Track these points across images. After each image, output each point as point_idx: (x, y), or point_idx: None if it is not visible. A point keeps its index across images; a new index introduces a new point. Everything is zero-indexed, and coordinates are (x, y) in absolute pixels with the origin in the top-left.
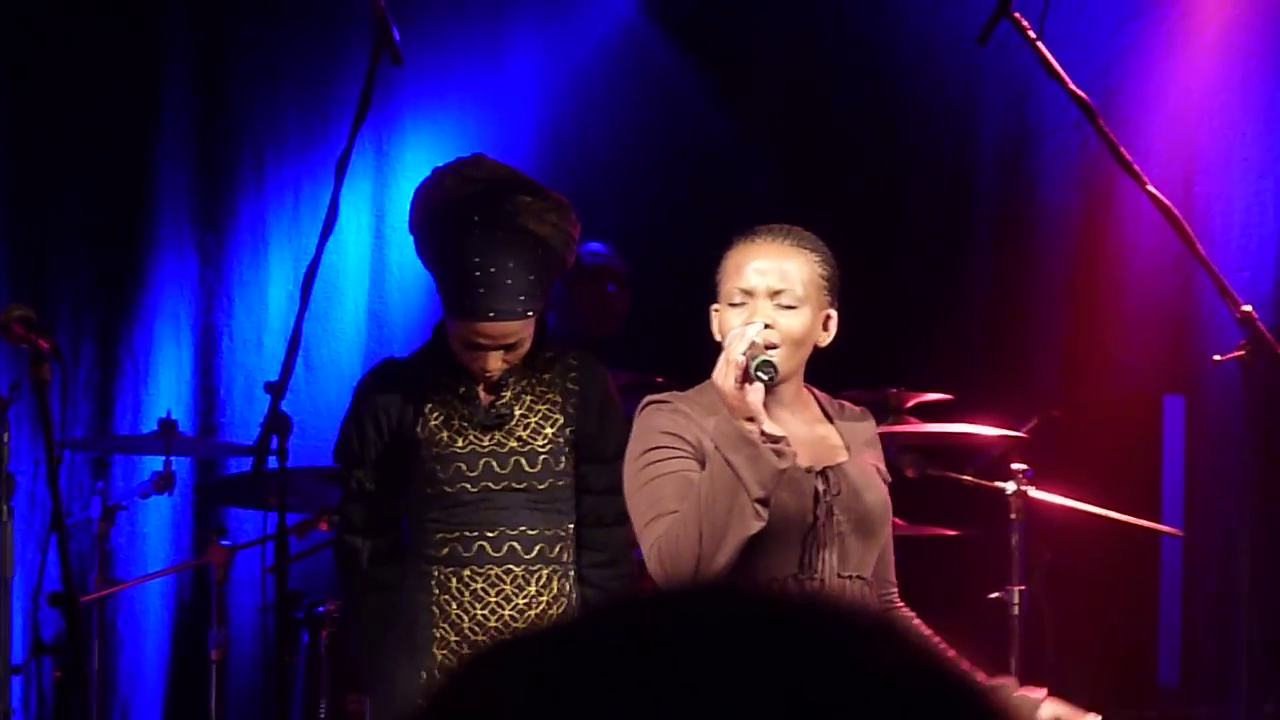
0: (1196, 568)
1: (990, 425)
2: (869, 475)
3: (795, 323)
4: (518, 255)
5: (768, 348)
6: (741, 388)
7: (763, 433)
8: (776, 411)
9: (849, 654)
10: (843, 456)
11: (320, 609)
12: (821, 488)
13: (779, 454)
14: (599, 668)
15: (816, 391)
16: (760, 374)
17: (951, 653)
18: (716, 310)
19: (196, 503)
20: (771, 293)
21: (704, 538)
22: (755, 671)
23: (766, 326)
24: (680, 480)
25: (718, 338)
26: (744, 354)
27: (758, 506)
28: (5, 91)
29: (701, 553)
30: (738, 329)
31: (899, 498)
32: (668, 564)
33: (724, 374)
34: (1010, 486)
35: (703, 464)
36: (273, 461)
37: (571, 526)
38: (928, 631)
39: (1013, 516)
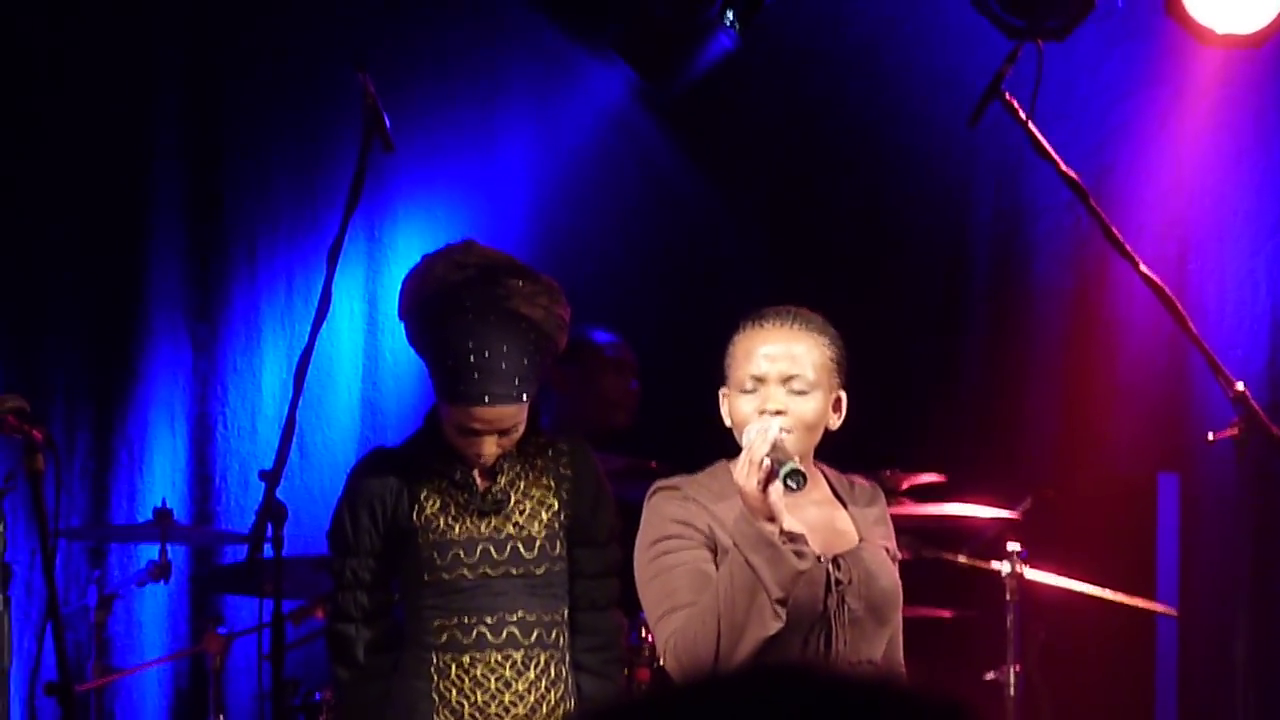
0: (1192, 647)
1: (984, 506)
2: (880, 559)
3: (808, 408)
4: (511, 339)
5: (782, 433)
6: (764, 489)
7: (783, 531)
8: (788, 496)
9: None
10: (854, 541)
11: (317, 696)
12: (834, 575)
13: (799, 554)
14: None
15: (827, 470)
16: (790, 483)
17: None
18: (725, 395)
19: (193, 590)
20: (783, 378)
21: (722, 636)
22: None
23: (778, 413)
24: (693, 571)
25: (727, 423)
26: (768, 455)
27: (777, 607)
28: None
29: (719, 650)
30: (758, 426)
31: None
32: (685, 660)
33: (746, 474)
34: (1005, 567)
35: (714, 551)
36: (268, 549)
37: (566, 611)
38: None
39: (1008, 597)
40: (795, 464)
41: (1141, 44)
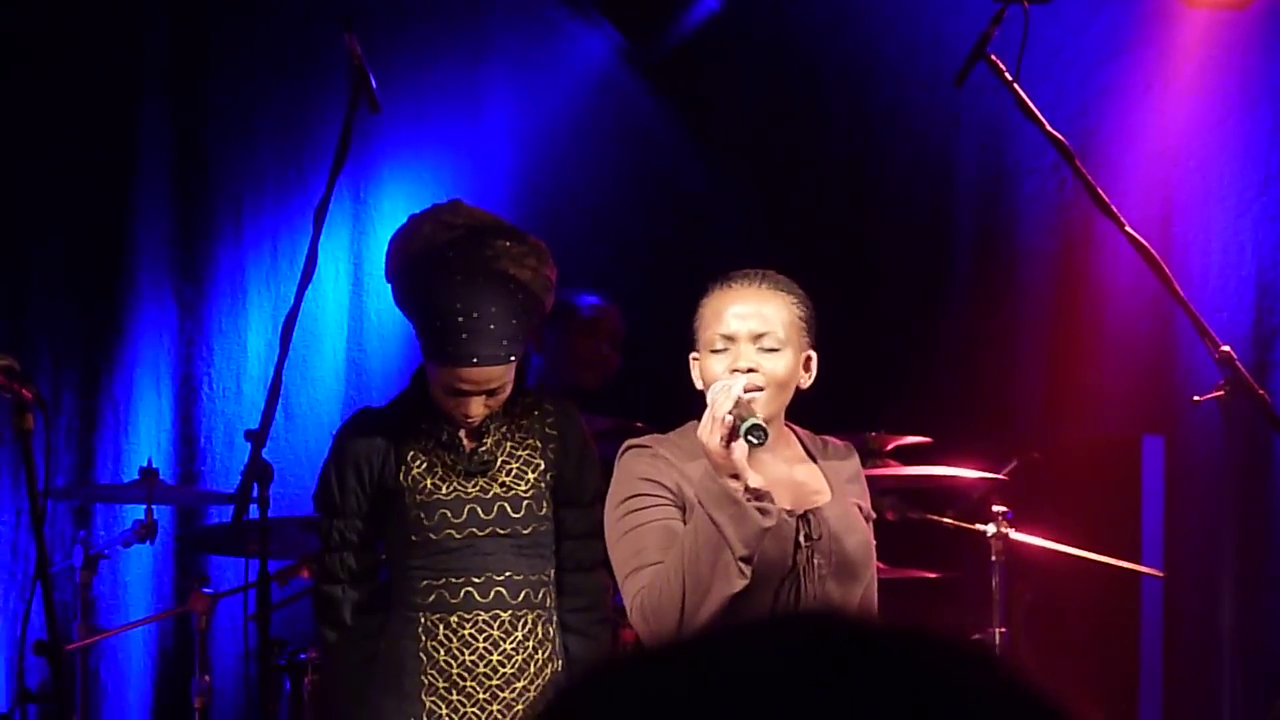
0: (1177, 608)
1: (970, 468)
2: (851, 517)
3: (779, 365)
4: (499, 300)
5: (749, 392)
6: (728, 446)
7: (747, 488)
8: (758, 454)
9: (953, 683)
10: (824, 498)
11: (302, 656)
12: (802, 532)
13: (763, 511)
14: (705, 698)
15: (799, 430)
16: (750, 438)
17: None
18: (696, 358)
19: (178, 551)
20: (753, 336)
21: (687, 593)
22: (861, 702)
23: (749, 370)
24: (661, 530)
25: (699, 386)
26: (731, 412)
27: (741, 565)
28: None
29: (684, 608)
30: (721, 384)
31: (880, 541)
32: (650, 618)
33: (709, 431)
34: (991, 529)
35: (683, 510)
36: (254, 509)
37: (552, 571)
38: None
39: (993, 558)
40: (757, 419)
41: (1127, 6)
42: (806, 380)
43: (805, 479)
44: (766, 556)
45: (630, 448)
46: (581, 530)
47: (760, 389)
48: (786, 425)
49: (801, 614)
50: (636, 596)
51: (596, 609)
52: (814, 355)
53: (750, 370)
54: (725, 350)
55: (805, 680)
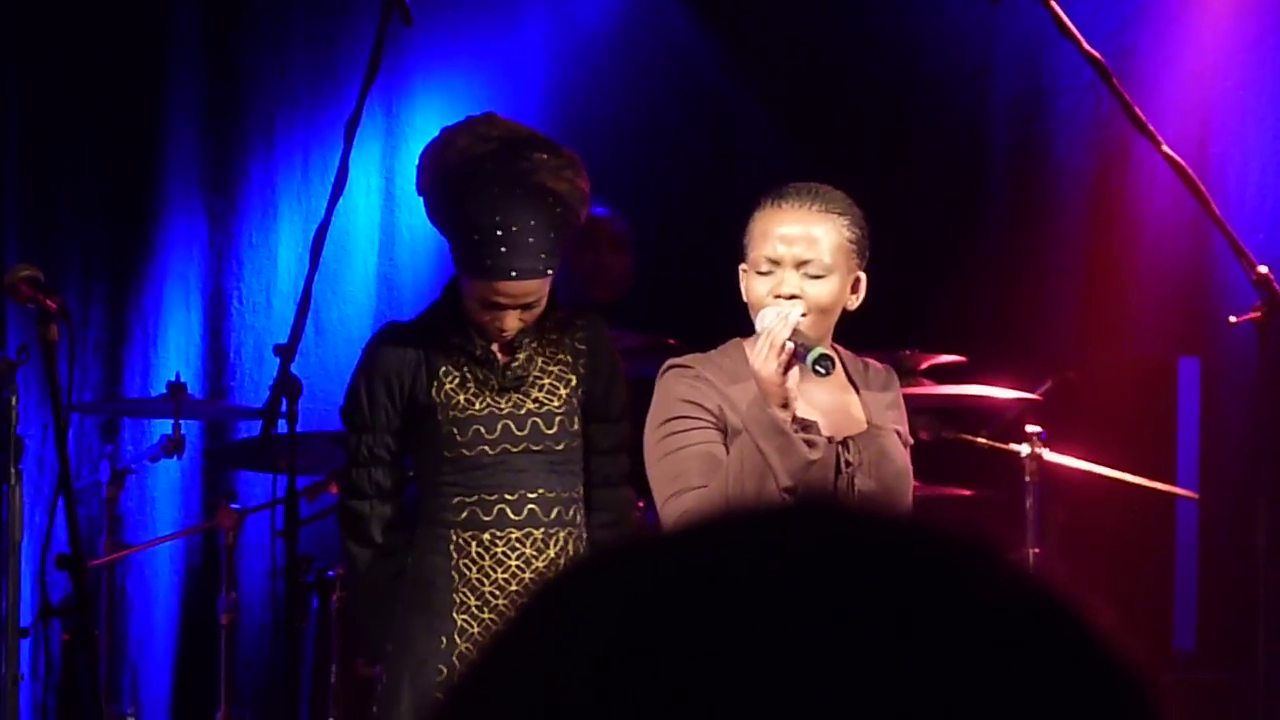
0: (1212, 530)
1: (1004, 387)
2: (890, 444)
3: (823, 291)
4: (537, 213)
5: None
6: (784, 374)
7: (795, 419)
8: (800, 380)
9: (956, 574)
10: (864, 425)
11: (330, 573)
12: (842, 459)
13: (810, 444)
14: (694, 590)
15: (842, 351)
16: (819, 368)
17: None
18: (745, 271)
19: (206, 466)
20: (798, 262)
21: None
22: (860, 592)
23: (792, 297)
24: (703, 454)
25: (745, 299)
26: (792, 339)
27: (785, 496)
28: (15, 57)
29: None
30: (776, 311)
31: (914, 460)
32: None
33: (764, 358)
34: (1025, 449)
35: (724, 433)
36: (282, 424)
37: (582, 488)
38: None
39: (1027, 479)
40: (823, 349)
41: None
42: (854, 302)
43: (846, 405)
44: (806, 482)
45: (672, 367)
46: (609, 445)
47: (803, 315)
48: (832, 346)
49: (798, 504)
50: (679, 521)
51: (623, 524)
52: (863, 277)
53: (793, 297)
54: (770, 273)
55: (798, 570)
